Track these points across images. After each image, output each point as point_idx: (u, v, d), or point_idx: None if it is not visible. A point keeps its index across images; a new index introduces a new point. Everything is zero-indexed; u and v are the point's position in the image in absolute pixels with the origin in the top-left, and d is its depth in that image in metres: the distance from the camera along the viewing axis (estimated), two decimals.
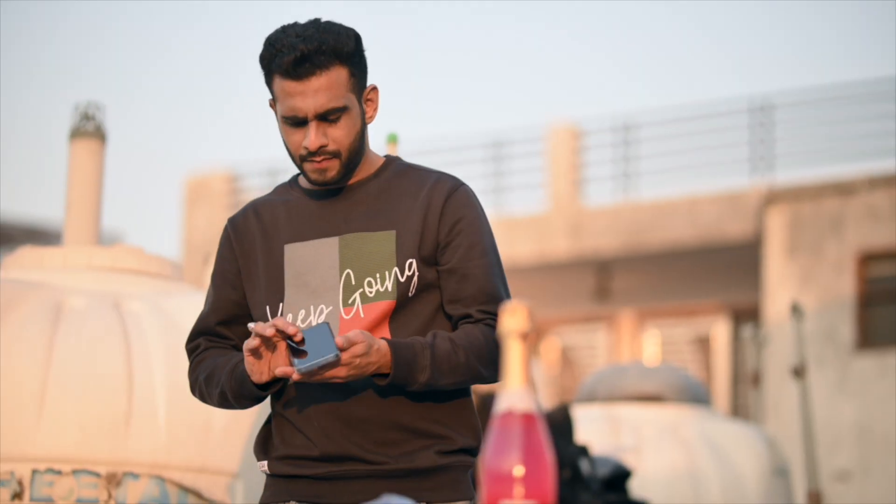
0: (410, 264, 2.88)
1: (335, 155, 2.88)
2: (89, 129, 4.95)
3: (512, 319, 1.91)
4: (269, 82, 2.90)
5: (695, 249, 15.60)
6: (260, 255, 2.97)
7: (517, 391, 1.86)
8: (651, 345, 17.78)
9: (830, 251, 13.84)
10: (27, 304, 4.13)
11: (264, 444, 3.00)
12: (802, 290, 13.74)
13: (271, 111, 2.96)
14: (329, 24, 2.87)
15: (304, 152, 2.88)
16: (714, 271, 16.38)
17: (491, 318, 2.87)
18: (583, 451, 5.81)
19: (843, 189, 13.83)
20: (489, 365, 2.87)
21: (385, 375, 2.80)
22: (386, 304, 2.86)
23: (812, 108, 15.62)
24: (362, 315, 2.85)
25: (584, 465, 5.75)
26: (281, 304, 2.92)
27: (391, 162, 3.01)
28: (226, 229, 3.05)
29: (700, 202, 15.55)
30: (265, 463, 2.97)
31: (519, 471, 1.86)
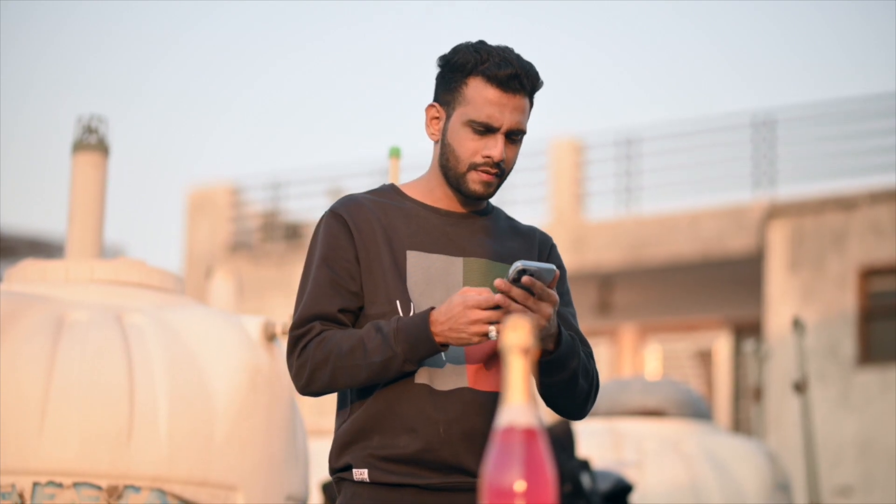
0: None
1: (502, 173, 2.95)
2: (92, 142, 4.95)
3: (514, 334, 1.91)
4: (457, 85, 2.95)
5: (696, 264, 15.60)
6: (384, 252, 2.95)
7: (519, 406, 1.86)
8: (653, 359, 17.78)
9: (832, 266, 13.84)
10: (29, 316, 4.13)
11: (351, 443, 2.94)
12: (804, 304, 13.74)
13: (430, 112, 3.00)
14: (522, 56, 2.97)
15: (480, 160, 2.92)
16: (716, 286, 16.38)
17: (589, 355, 3.01)
18: (584, 465, 5.81)
19: (845, 204, 13.84)
20: (592, 391, 3.00)
21: (548, 352, 2.88)
22: None
23: (814, 123, 15.63)
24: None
25: (586, 480, 5.75)
26: (411, 304, 2.92)
27: (490, 206, 3.09)
28: (339, 217, 2.99)
29: (702, 217, 15.55)
30: (365, 472, 2.90)
31: (520, 486, 1.86)
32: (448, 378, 2.91)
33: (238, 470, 4.14)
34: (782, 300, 13.99)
